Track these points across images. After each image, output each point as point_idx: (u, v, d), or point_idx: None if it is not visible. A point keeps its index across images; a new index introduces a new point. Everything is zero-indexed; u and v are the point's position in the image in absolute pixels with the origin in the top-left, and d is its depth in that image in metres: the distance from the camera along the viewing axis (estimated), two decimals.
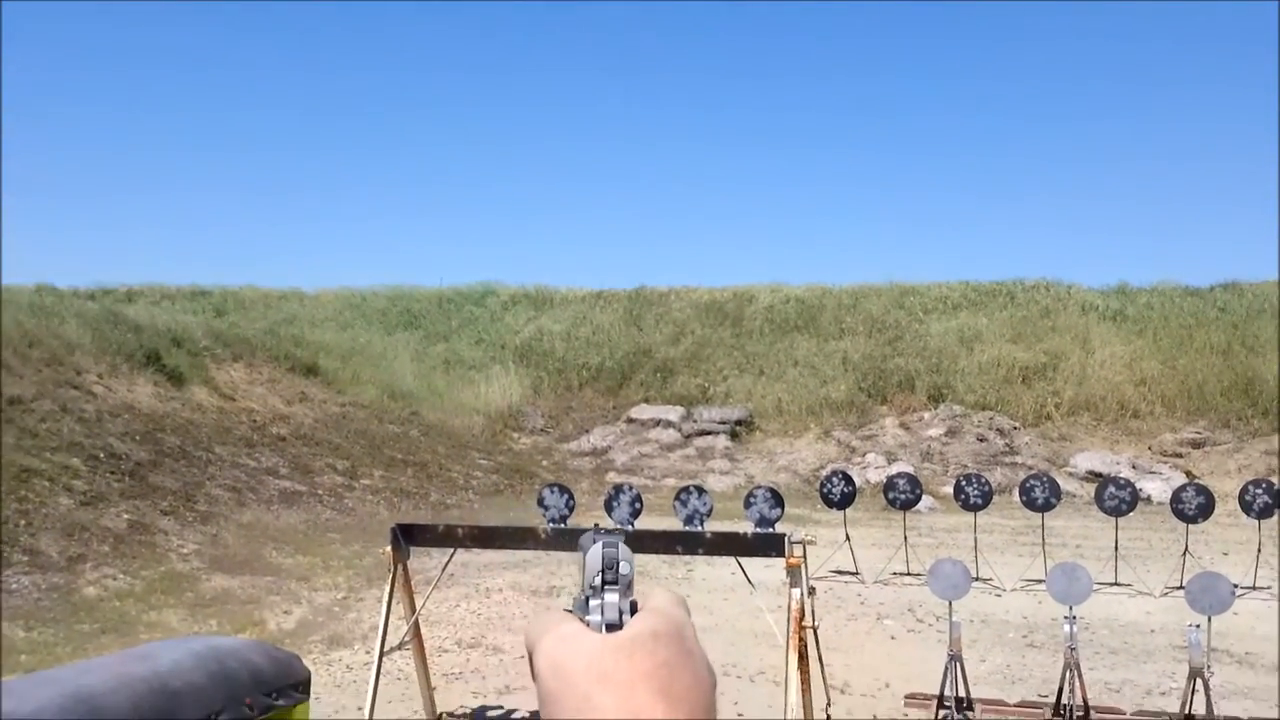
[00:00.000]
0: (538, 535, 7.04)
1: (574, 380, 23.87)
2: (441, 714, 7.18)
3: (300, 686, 2.07)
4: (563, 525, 7.35)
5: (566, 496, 7.80)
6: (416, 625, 7.09)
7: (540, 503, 7.82)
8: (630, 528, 10.23)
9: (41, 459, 11.91)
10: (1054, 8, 61.03)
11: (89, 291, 27.85)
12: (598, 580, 0.70)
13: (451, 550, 7.30)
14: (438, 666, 7.76)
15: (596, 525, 0.96)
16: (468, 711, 7.30)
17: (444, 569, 7.50)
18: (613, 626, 0.68)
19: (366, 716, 6.50)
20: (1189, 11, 59.05)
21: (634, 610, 0.69)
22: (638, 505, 9.05)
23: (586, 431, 21.29)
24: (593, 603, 0.70)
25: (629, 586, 0.71)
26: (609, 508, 9.06)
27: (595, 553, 0.71)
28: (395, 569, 6.92)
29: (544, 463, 19.57)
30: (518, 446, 20.61)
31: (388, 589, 6.89)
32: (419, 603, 7.17)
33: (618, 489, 9.52)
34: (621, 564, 0.70)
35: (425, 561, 9.10)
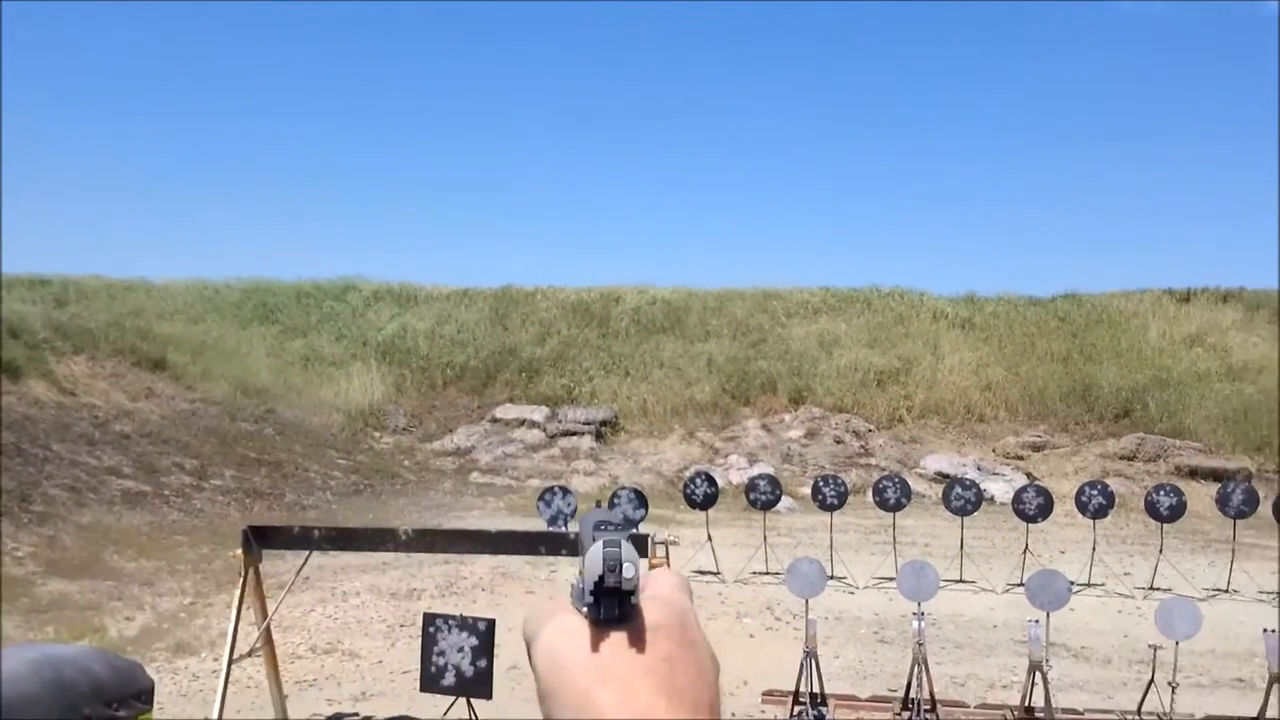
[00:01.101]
0: (397, 537, 6.89)
1: (438, 379, 23.51)
2: None
3: (143, 696, 1.97)
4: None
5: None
6: (268, 631, 6.86)
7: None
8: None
9: None
10: (889, 8, 63.30)
11: None
12: (597, 581, 0.65)
13: (307, 553, 7.10)
14: (291, 673, 7.53)
15: (599, 503, 0.86)
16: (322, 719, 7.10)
17: (298, 572, 7.28)
18: (611, 621, 0.65)
19: None
20: (1019, 11, 62.09)
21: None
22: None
23: (450, 431, 21.00)
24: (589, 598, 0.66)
25: (634, 592, 0.67)
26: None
27: (596, 552, 0.66)
28: (246, 572, 6.67)
29: (406, 463, 19.21)
30: (379, 446, 20.16)
31: (238, 593, 6.64)
32: (271, 607, 6.93)
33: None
34: (625, 565, 0.66)
35: (279, 565, 8.81)
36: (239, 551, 6.68)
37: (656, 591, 0.69)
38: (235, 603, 6.65)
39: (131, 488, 13.59)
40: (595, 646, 0.64)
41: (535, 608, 0.71)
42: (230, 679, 6.46)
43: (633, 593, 0.65)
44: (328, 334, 25.60)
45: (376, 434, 20.78)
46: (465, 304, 27.18)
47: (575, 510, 8.42)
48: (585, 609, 0.66)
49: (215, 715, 6.29)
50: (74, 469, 13.39)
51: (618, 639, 0.64)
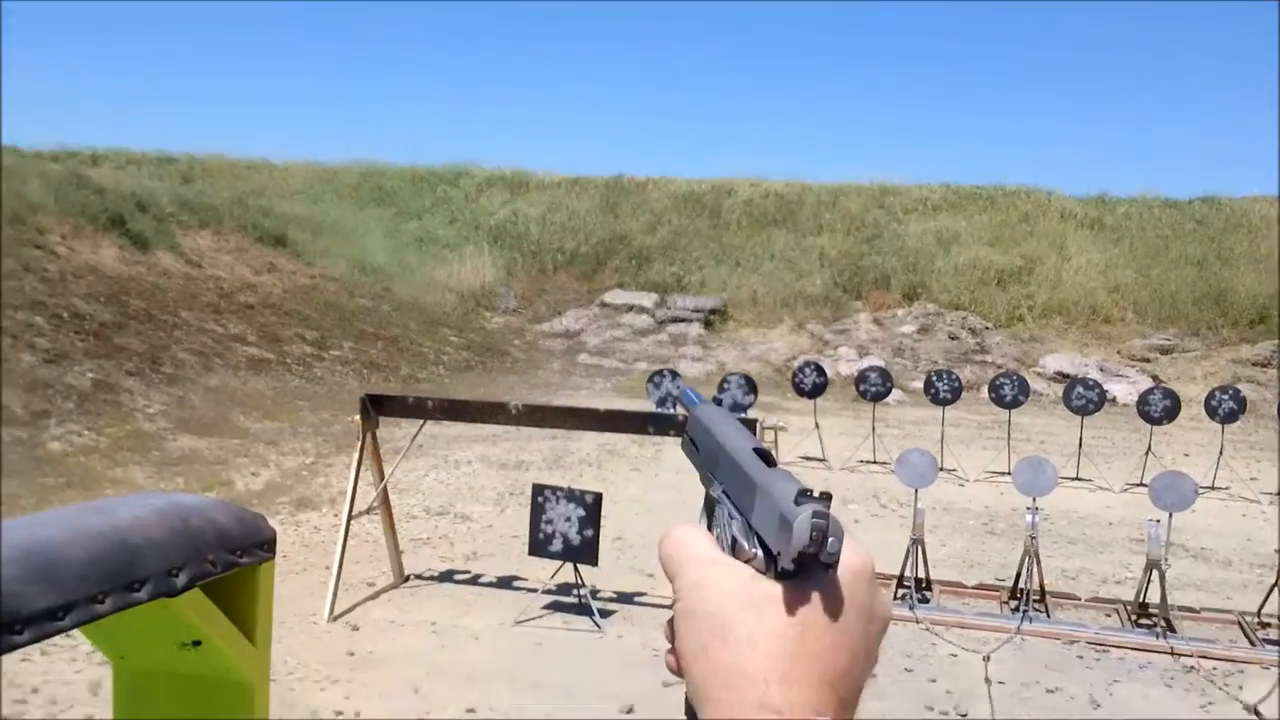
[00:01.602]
0: (508, 411, 7.00)
1: (548, 264, 23.63)
2: (409, 575, 7.22)
3: (265, 545, 1.99)
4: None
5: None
6: (385, 491, 7.08)
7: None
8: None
9: (4, 317, 11.66)
10: None
11: (52, 153, 26.97)
12: (795, 557, 0.57)
13: (421, 421, 7.26)
14: (405, 531, 7.79)
15: (802, 491, 0.69)
16: (435, 574, 7.35)
17: (414, 439, 7.47)
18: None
19: (334, 574, 6.54)
20: None
21: None
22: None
23: (559, 314, 21.18)
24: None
25: (834, 565, 0.60)
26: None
27: (804, 521, 0.58)
28: (364, 437, 6.89)
29: (516, 342, 19.50)
30: (490, 325, 20.48)
31: (356, 456, 6.87)
32: (387, 470, 7.15)
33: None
34: (830, 540, 0.58)
35: (394, 432, 9.05)
36: (357, 417, 6.88)
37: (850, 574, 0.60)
38: (354, 464, 6.88)
39: (256, 355, 14.10)
40: (791, 610, 0.57)
41: (682, 540, 0.64)
42: (349, 533, 6.72)
43: (833, 566, 0.58)
44: (441, 217, 25.89)
45: (487, 314, 21.10)
46: (576, 192, 27.09)
47: (679, 397, 8.42)
48: (775, 570, 0.59)
49: (335, 563, 6.57)
50: (201, 335, 13.93)
51: (814, 606, 0.57)
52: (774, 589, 0.58)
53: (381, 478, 7.07)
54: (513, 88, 63.21)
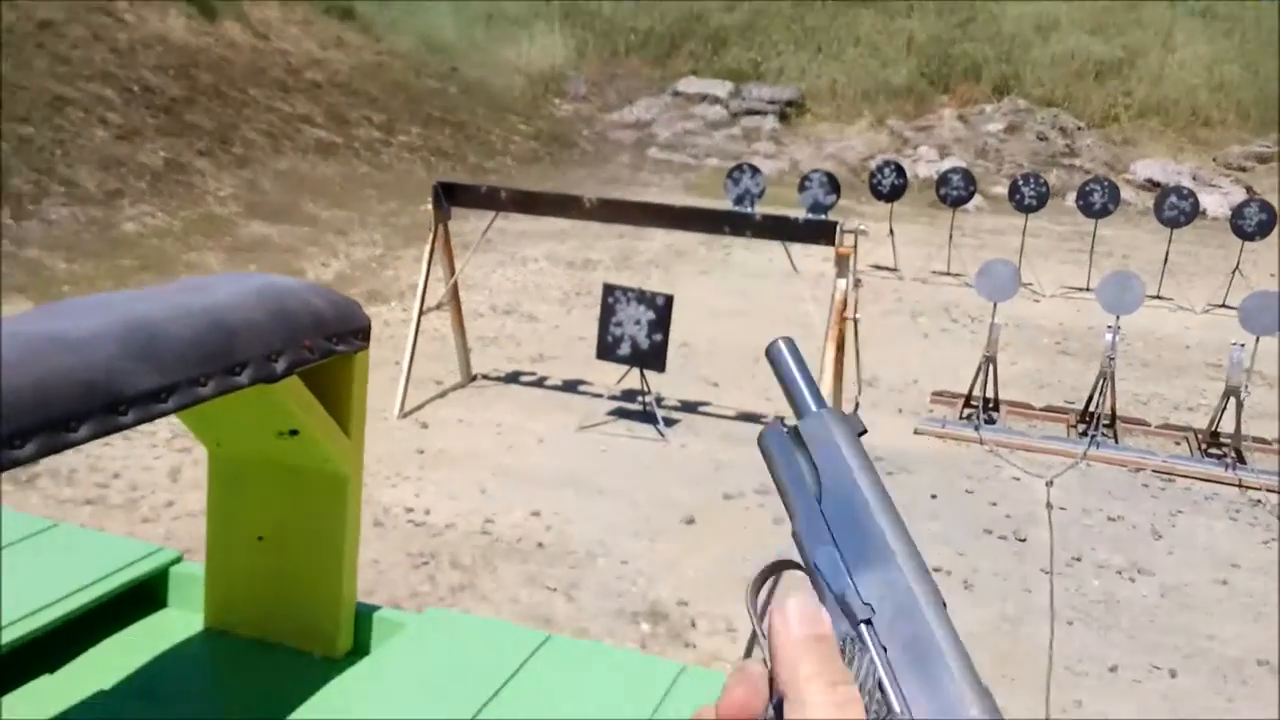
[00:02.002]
0: (582, 204, 6.86)
1: (620, 45, 22.71)
2: (476, 374, 7.34)
3: (360, 334, 1.94)
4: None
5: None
6: (455, 288, 7.09)
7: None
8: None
9: (75, 88, 11.60)
10: None
11: None
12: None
13: (493, 214, 7.16)
14: (473, 329, 7.85)
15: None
16: (502, 375, 7.46)
17: (484, 233, 7.40)
18: None
19: (405, 370, 6.65)
20: None
21: None
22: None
23: (630, 102, 20.54)
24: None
25: None
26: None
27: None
28: (436, 228, 6.82)
29: (585, 132, 19.05)
30: (559, 114, 19.98)
31: (428, 248, 6.82)
32: (457, 266, 7.12)
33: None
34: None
35: (462, 225, 8.97)
36: (429, 206, 6.79)
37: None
38: (426, 257, 6.85)
39: (324, 138, 13.97)
40: None
41: (805, 647, 0.47)
42: (420, 328, 6.79)
43: None
44: None
45: (556, 100, 20.54)
46: None
47: (763, 191, 8.15)
48: None
49: (405, 359, 6.67)
50: (269, 114, 13.79)
51: None
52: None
53: (452, 272, 7.06)
54: None
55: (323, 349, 1.88)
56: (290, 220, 10.83)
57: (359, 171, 13.42)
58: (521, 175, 15.35)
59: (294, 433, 1.92)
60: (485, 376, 7.35)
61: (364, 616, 2.08)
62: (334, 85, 16.04)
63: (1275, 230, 10.84)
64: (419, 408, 6.68)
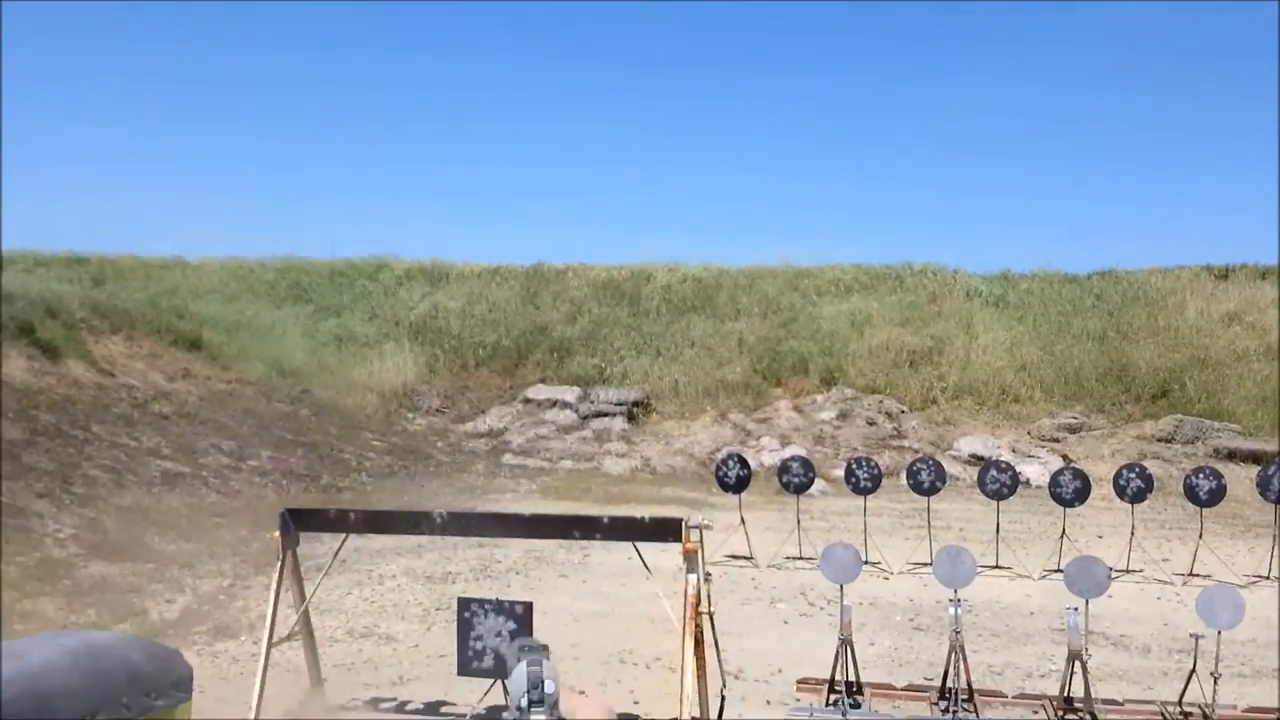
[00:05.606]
0: (433, 520, 6.93)
1: (470, 359, 23.56)
2: (332, 707, 7.03)
3: (181, 685, 1.96)
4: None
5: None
6: (306, 614, 6.93)
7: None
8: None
9: None
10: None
11: None
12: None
13: (344, 536, 7.13)
14: (329, 657, 7.61)
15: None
16: (360, 703, 7.17)
17: (335, 555, 7.33)
18: None
19: (254, 711, 6.33)
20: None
21: None
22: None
23: (482, 412, 21.09)
24: None
25: (554, 705, 0.68)
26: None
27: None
28: (284, 555, 6.72)
29: (439, 444, 19.32)
30: (412, 427, 20.29)
31: (276, 576, 6.69)
32: (309, 590, 7.00)
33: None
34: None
35: (316, 547, 8.86)
36: (277, 534, 6.73)
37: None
38: (274, 586, 6.70)
39: (170, 469, 13.75)
40: None
41: None
42: (270, 662, 6.53)
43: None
44: (360, 313, 25.72)
45: (409, 415, 20.90)
46: (496, 282, 27.17)
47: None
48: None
49: (255, 698, 6.36)
50: (113, 450, 13.56)
51: None
52: None
53: (303, 599, 6.91)
54: (431, 173, 63.42)
55: (141, 705, 1.92)
56: (133, 557, 10.44)
57: (207, 500, 13.16)
58: (377, 491, 15.33)
59: None
60: (343, 707, 7.05)
61: None
62: (181, 416, 15.97)
63: (1090, 495, 11.76)
64: None
